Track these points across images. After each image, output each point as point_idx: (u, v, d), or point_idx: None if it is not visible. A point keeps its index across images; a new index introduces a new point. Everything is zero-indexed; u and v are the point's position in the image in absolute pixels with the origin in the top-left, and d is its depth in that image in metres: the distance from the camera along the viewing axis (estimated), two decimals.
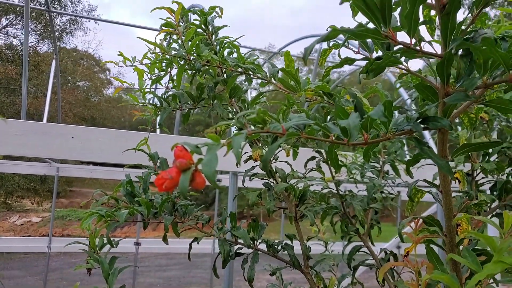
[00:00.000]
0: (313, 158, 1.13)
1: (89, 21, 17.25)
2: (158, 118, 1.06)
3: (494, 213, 1.09)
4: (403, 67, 0.58)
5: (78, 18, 17.23)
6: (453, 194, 1.15)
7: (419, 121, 0.51)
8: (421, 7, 0.58)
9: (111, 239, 0.97)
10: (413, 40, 0.47)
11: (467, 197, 1.05)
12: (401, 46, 0.47)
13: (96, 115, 19.43)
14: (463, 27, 0.55)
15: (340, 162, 1.18)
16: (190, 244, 0.95)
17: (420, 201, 0.80)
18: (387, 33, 0.44)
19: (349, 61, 0.61)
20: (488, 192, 1.13)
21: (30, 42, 15.87)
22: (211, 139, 0.44)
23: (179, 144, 0.45)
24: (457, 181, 0.91)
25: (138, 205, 1.01)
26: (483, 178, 1.17)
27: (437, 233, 0.62)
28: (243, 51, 1.08)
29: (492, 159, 1.14)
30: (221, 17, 1.09)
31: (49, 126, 2.72)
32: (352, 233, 1.14)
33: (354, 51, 0.63)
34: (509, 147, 1.04)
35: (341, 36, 0.53)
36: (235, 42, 1.09)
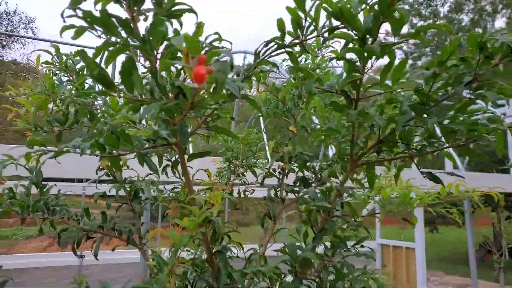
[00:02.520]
0: (168, 165, 1.49)
1: (27, 33, 16.62)
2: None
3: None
4: None
5: (15, 30, 16.55)
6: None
7: (153, 140, 0.87)
8: None
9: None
10: None
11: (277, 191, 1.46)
12: None
13: None
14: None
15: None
16: (59, 233, 1.25)
17: None
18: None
19: None
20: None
21: None
22: None
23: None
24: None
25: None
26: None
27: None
28: None
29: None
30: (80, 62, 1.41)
31: None
32: None
33: None
34: (302, 153, 1.47)
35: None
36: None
